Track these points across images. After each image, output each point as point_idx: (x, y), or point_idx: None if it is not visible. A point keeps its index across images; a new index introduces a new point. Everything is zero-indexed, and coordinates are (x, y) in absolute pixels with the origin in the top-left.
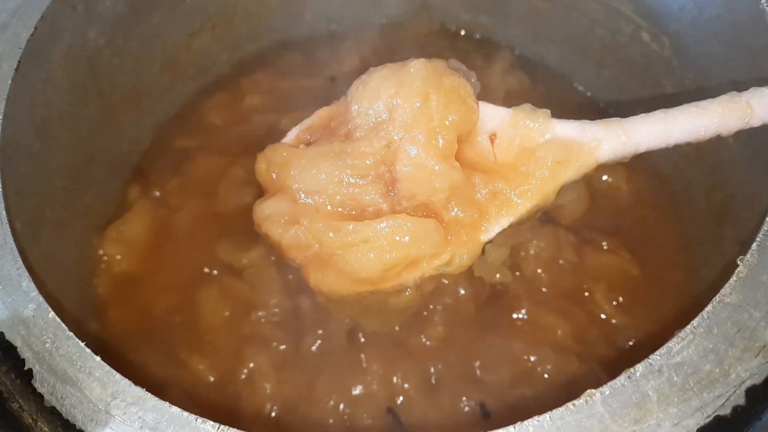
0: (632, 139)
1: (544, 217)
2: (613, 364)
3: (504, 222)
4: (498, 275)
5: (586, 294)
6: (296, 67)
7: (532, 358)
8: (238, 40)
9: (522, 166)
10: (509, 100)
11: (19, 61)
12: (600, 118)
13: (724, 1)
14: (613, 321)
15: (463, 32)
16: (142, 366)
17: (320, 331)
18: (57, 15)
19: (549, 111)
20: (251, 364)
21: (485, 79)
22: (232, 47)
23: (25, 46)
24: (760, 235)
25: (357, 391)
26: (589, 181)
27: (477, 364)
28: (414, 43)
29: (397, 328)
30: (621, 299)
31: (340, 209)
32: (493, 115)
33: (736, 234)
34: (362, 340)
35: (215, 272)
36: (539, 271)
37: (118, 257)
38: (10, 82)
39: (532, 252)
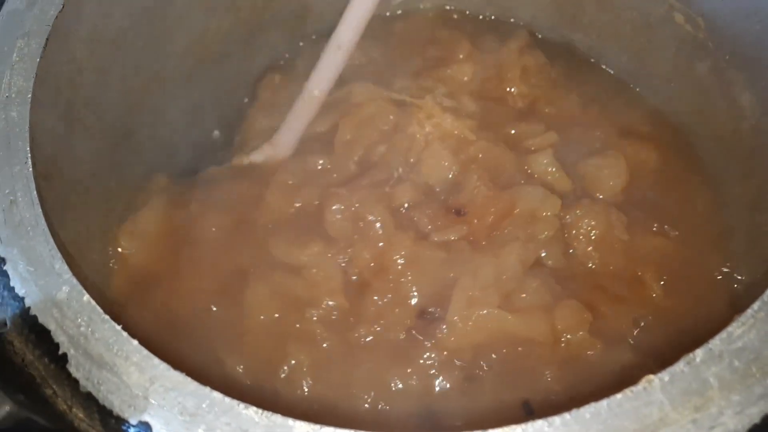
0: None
1: (581, 192)
2: (665, 351)
3: None
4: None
5: (639, 274)
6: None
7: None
8: (262, 25)
9: None
10: (526, 77)
11: (47, 39)
12: (627, 100)
13: None
14: (663, 304)
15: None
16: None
17: (377, 328)
18: None
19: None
20: (293, 361)
21: (500, 58)
22: (257, 31)
23: (53, 24)
24: None
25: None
26: (632, 166)
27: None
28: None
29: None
30: (669, 282)
31: None
32: None
33: None
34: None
35: (261, 270)
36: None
37: (136, 252)
38: (38, 60)
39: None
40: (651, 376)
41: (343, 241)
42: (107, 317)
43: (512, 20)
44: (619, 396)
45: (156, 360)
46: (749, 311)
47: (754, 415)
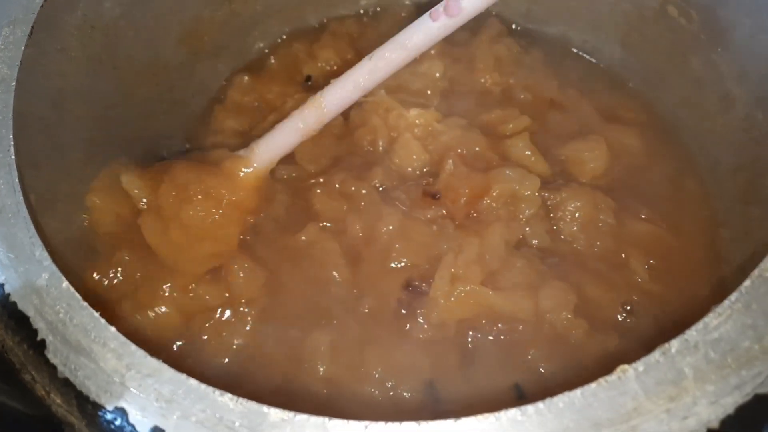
0: (264, 151)
1: (561, 175)
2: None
3: None
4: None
5: (624, 257)
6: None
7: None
8: (255, 16)
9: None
10: (499, 66)
11: (32, 27)
12: (622, 91)
13: None
14: (649, 288)
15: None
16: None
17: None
18: None
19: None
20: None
21: (470, 50)
22: (251, 23)
23: (39, 13)
24: None
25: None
26: (613, 148)
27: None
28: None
29: None
30: (656, 267)
31: None
32: None
33: (764, 212)
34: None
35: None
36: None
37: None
38: (23, 48)
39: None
40: (626, 366)
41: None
42: (85, 304)
43: (494, 13)
44: (593, 385)
45: (133, 347)
46: (726, 302)
47: (728, 405)
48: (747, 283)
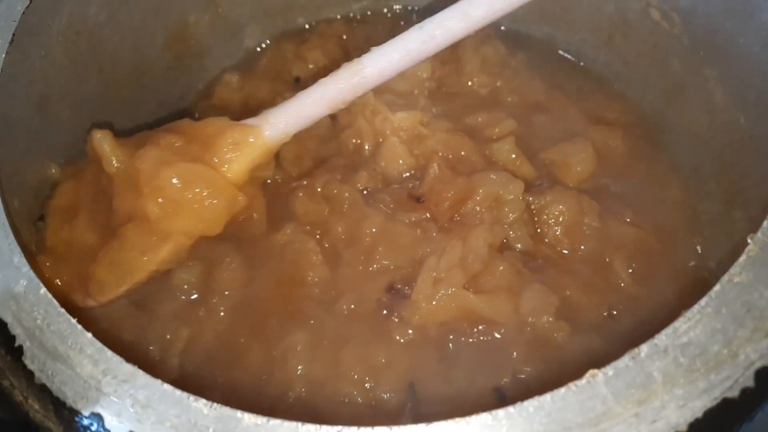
0: (282, 120)
1: (549, 183)
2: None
3: None
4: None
5: (608, 260)
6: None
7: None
8: (241, 19)
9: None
10: (486, 68)
11: (13, 35)
12: (606, 93)
13: None
14: (632, 291)
15: None
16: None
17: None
18: None
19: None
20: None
21: (457, 52)
22: (237, 26)
23: (21, 20)
24: None
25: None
26: (598, 150)
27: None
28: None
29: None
30: (639, 270)
31: None
32: None
33: (746, 215)
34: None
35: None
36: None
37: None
38: (4, 55)
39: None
40: (595, 371)
41: (314, 218)
42: (63, 310)
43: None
44: (563, 390)
45: (109, 353)
46: (696, 307)
47: (696, 408)
48: (717, 287)
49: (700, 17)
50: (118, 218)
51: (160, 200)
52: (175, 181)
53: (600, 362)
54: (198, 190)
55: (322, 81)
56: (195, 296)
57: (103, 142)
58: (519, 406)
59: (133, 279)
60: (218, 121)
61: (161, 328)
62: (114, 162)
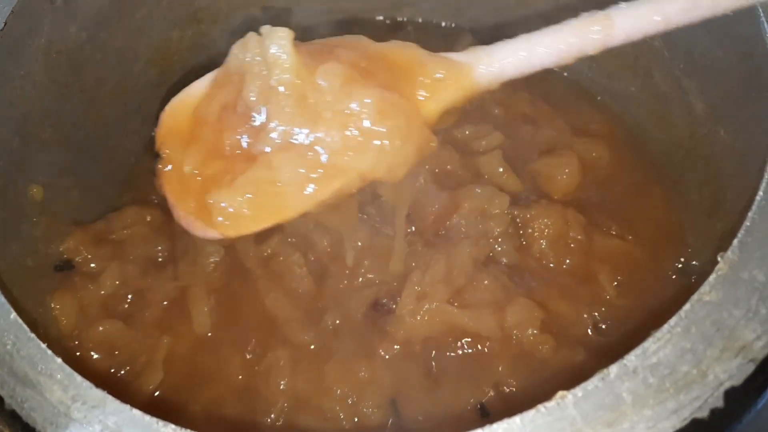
0: (498, 60)
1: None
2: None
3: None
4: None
5: (593, 273)
6: None
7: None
8: (224, 35)
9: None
10: None
11: None
12: (590, 104)
13: None
14: (617, 303)
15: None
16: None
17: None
18: (33, 10)
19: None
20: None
21: None
22: (219, 42)
23: None
24: (741, 231)
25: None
26: (583, 162)
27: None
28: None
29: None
30: (624, 282)
31: None
32: None
33: (728, 226)
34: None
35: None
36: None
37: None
38: None
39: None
40: (564, 392)
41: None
42: (33, 335)
43: (470, 27)
44: (532, 412)
45: (79, 378)
46: (665, 326)
47: (666, 429)
48: (686, 306)
49: (679, 30)
50: (264, 142)
51: (345, 129)
52: (368, 109)
53: (585, 376)
54: (393, 123)
55: (555, 27)
56: (176, 307)
57: (287, 43)
58: (488, 428)
59: (279, 217)
60: (411, 48)
61: (142, 340)
62: (291, 74)
